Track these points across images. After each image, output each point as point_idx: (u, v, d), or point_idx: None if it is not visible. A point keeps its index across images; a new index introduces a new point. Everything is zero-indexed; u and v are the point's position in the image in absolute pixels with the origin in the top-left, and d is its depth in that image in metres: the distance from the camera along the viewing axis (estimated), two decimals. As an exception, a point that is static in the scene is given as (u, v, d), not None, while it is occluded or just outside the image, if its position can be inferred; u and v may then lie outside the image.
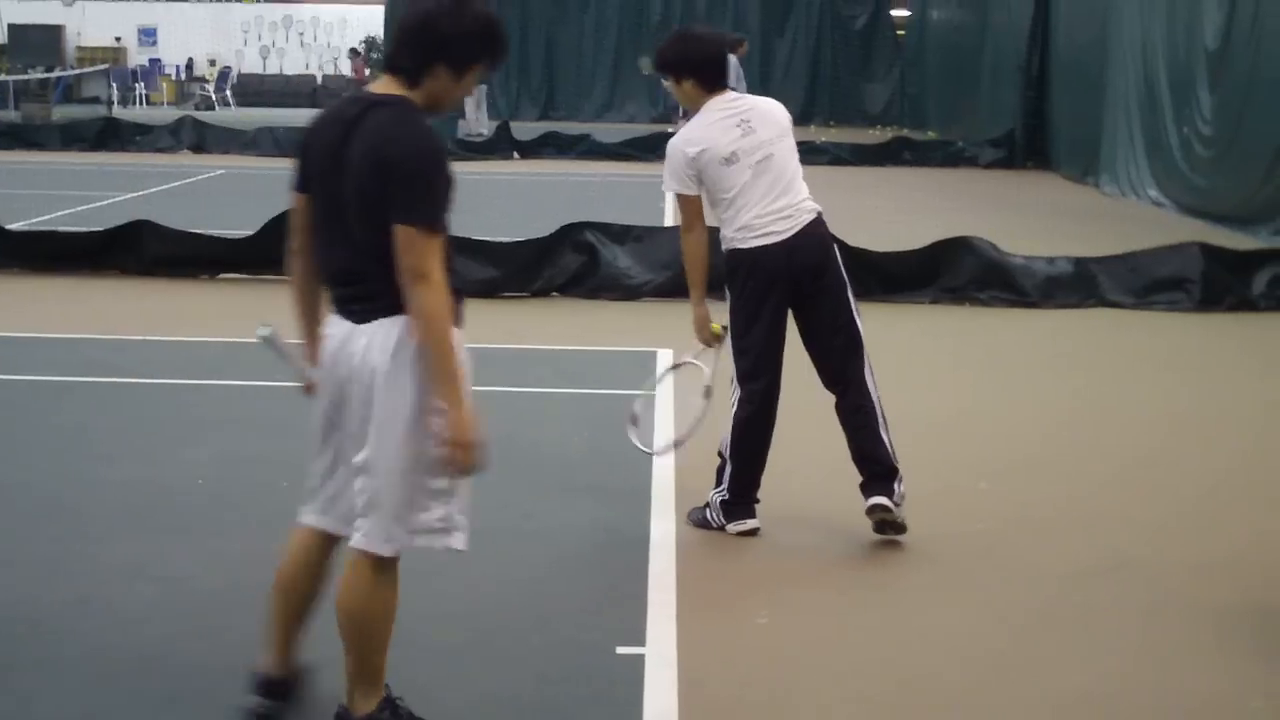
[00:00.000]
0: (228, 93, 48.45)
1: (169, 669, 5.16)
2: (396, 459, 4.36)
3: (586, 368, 10.26)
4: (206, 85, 48.58)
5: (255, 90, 49.53)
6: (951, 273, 13.19)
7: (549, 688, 5.10)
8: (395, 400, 4.35)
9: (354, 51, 42.18)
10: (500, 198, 22.02)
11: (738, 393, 6.65)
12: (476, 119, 34.16)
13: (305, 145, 4.58)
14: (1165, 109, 21.35)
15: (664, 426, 7.91)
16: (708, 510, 6.77)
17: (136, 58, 50.89)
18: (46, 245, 13.86)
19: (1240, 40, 18.76)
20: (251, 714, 4.71)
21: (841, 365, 6.61)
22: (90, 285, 13.15)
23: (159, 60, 50.74)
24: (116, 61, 49.60)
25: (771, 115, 6.66)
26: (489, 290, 12.63)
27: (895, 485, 6.51)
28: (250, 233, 13.59)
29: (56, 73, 44.98)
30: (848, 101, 42.51)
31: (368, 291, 4.38)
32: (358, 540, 4.47)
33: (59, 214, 17.92)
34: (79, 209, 18.64)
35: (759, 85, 34.04)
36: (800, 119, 20.85)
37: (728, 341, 6.73)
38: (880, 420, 6.58)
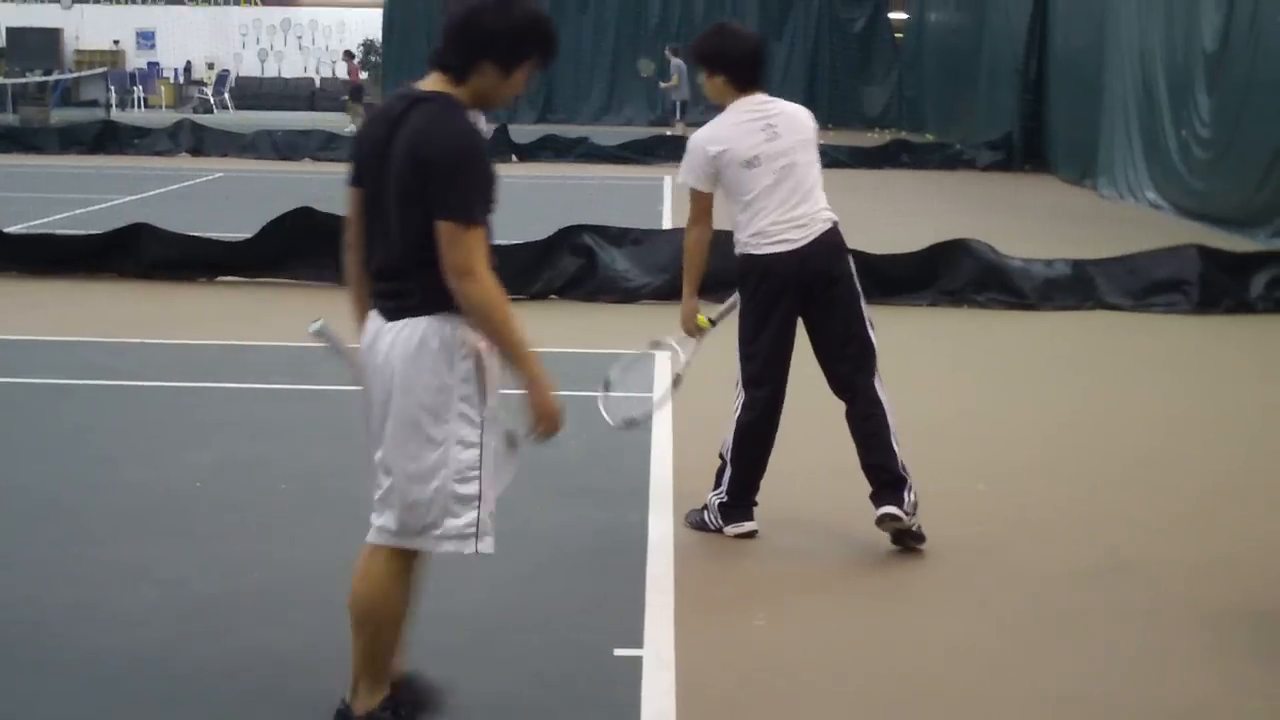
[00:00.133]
0: (226, 96, 48.49)
1: (169, 672, 5.16)
2: (409, 460, 4.38)
3: (584, 370, 10.21)
4: (205, 88, 48.63)
5: (253, 93, 49.60)
6: (949, 275, 13.20)
7: (546, 689, 5.10)
8: (411, 400, 4.37)
9: (348, 54, 42.17)
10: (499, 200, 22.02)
11: (742, 397, 6.63)
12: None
13: (358, 140, 4.58)
14: (1163, 111, 21.37)
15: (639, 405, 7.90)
16: (706, 512, 6.77)
17: (135, 61, 50.92)
18: (45, 248, 13.88)
19: (1238, 43, 18.78)
20: None
21: (851, 374, 6.57)
22: (89, 288, 13.15)
23: (157, 63, 50.78)
24: (115, 65, 49.64)
25: (798, 122, 6.63)
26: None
27: (905, 494, 6.45)
28: (248, 236, 13.61)
29: (55, 76, 45.02)
30: (846, 104, 42.54)
31: (401, 289, 4.39)
32: (373, 534, 4.51)
33: (57, 217, 17.93)
34: (77, 212, 18.65)
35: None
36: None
37: (700, 342, 6.73)
38: (890, 430, 6.54)
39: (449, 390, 4.35)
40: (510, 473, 4.64)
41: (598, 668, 5.21)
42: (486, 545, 4.46)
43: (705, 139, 6.60)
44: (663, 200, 21.70)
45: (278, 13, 51.43)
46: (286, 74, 51.13)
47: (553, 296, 12.98)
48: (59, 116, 36.37)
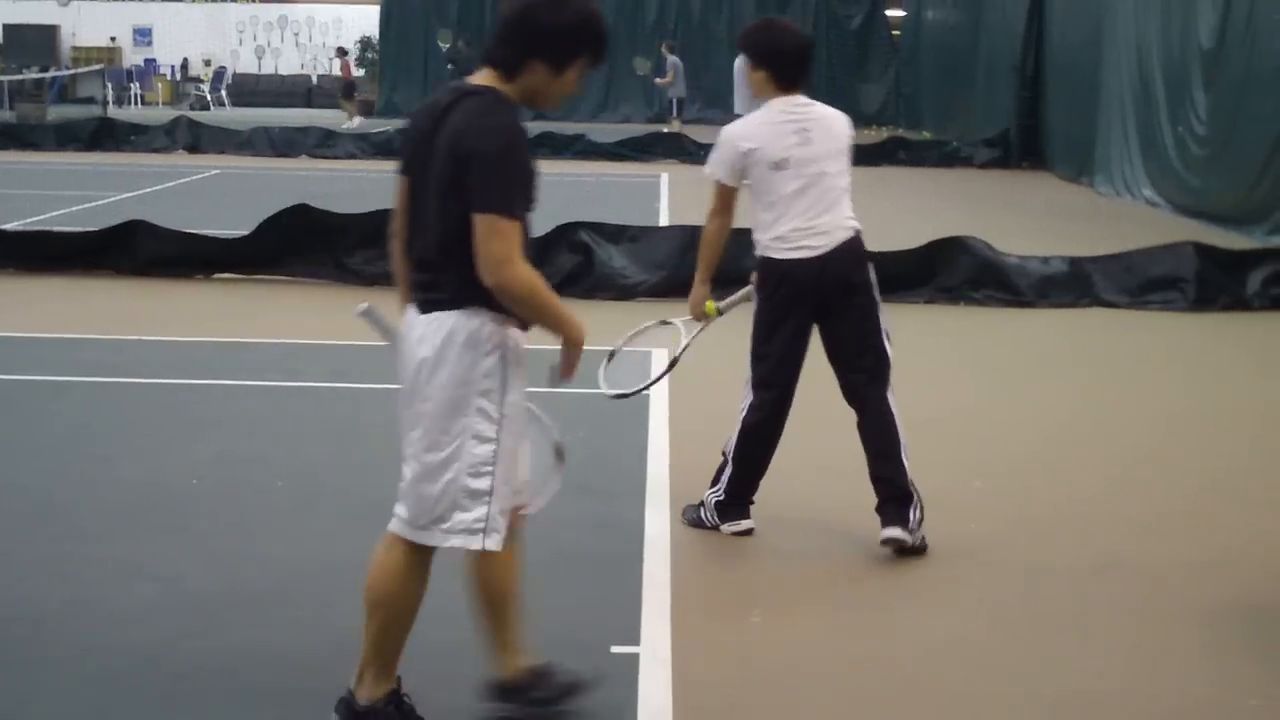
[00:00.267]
0: (223, 93, 48.47)
1: (165, 669, 5.16)
2: (424, 451, 4.40)
3: (582, 367, 10.24)
4: (201, 85, 48.61)
5: (250, 90, 49.57)
6: (947, 272, 13.21)
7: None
8: (434, 394, 4.38)
9: (340, 50, 42.18)
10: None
11: (750, 398, 6.61)
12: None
13: (406, 131, 4.60)
14: (1160, 108, 21.37)
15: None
16: (702, 510, 6.77)
17: (131, 58, 50.90)
18: (41, 245, 13.85)
19: (1235, 39, 18.78)
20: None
21: (865, 384, 6.52)
22: (85, 285, 13.14)
23: (154, 60, 50.76)
24: (111, 61, 49.61)
25: (833, 129, 6.56)
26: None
27: (911, 511, 6.43)
28: (245, 233, 13.60)
29: (51, 73, 44.99)
30: (843, 101, 42.08)
31: (434, 281, 4.40)
32: (392, 523, 4.52)
33: (54, 214, 17.92)
34: (74, 209, 18.64)
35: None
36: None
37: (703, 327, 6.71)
38: (901, 443, 6.49)
39: (469, 385, 4.36)
40: (556, 484, 4.76)
41: (595, 665, 5.20)
42: (494, 542, 4.46)
43: (738, 134, 6.53)
44: (660, 197, 21.71)
45: (274, 9, 51.41)
46: (283, 71, 51.10)
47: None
48: (56, 113, 36.34)
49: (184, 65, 50.77)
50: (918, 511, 6.45)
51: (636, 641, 5.43)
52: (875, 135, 33.90)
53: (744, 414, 6.63)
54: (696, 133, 30.60)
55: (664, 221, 17.56)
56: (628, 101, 43.11)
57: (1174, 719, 5.07)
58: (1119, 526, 7.05)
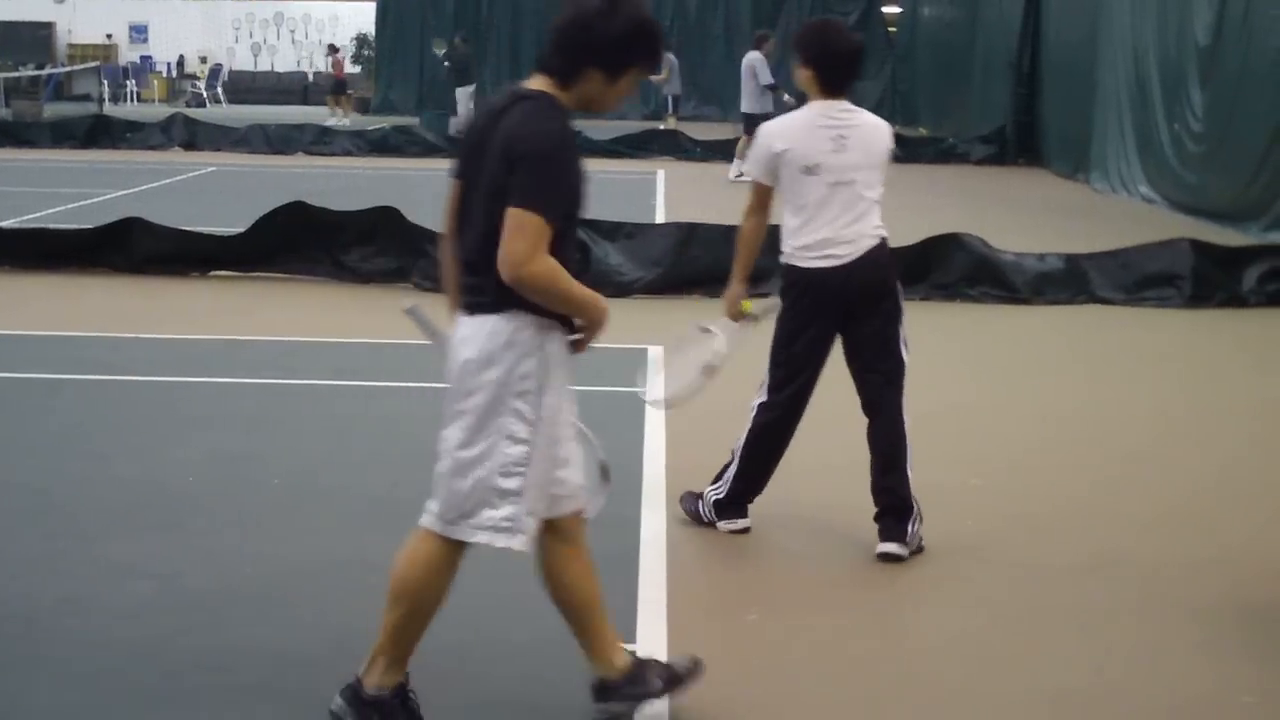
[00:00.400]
0: (219, 90, 48.46)
1: (161, 667, 5.16)
2: (457, 447, 4.42)
3: (577, 364, 10.25)
4: (198, 82, 48.59)
5: (246, 87, 49.59)
6: (942, 269, 13.21)
7: (538, 685, 5.10)
8: (473, 393, 4.40)
9: (332, 48, 42.16)
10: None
11: (762, 397, 6.58)
12: (468, 116, 34.16)
13: (464, 134, 4.63)
14: (1156, 105, 21.38)
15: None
16: (700, 503, 6.76)
17: (128, 55, 50.91)
18: (37, 243, 13.84)
19: (1231, 36, 18.79)
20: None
21: (879, 392, 6.49)
22: (81, 283, 13.14)
23: (150, 57, 50.76)
24: (108, 59, 49.62)
25: (871, 141, 6.45)
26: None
27: (909, 525, 6.41)
28: (241, 230, 13.59)
29: (47, 70, 44.95)
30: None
31: (478, 284, 4.41)
32: (424, 517, 4.54)
33: (50, 212, 17.91)
34: (70, 206, 18.63)
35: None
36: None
37: (744, 328, 6.61)
38: (908, 455, 6.47)
39: (507, 386, 4.38)
40: (601, 501, 4.89)
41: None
42: (520, 542, 4.48)
43: (773, 133, 6.48)
44: (656, 194, 21.71)
45: (271, 6, 51.42)
46: (279, 68, 51.12)
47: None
48: (51, 111, 36.32)
49: (180, 62, 50.77)
50: (916, 524, 6.44)
51: (633, 640, 5.42)
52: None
53: (755, 413, 6.60)
54: (692, 130, 30.62)
55: (660, 218, 17.56)
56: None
57: (1171, 715, 5.07)
58: (1116, 524, 7.06)
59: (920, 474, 6.59)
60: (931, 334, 11.69)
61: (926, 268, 13.19)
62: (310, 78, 49.97)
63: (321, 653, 5.26)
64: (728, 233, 13.92)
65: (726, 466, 6.71)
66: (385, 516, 6.82)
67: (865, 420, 6.56)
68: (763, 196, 6.52)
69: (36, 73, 43.27)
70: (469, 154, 4.48)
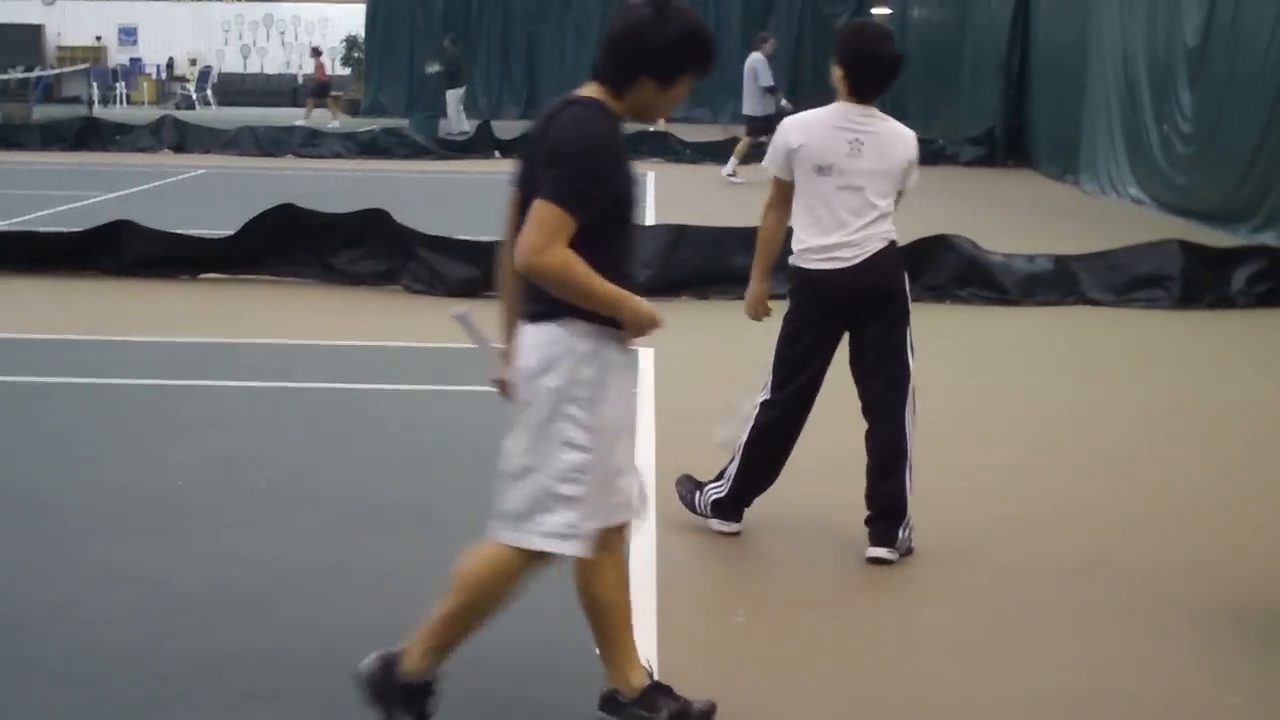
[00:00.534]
0: (208, 92, 48.42)
1: (150, 670, 5.15)
2: (521, 454, 4.44)
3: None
4: (187, 84, 48.55)
5: (236, 89, 49.55)
6: (932, 270, 13.22)
7: (528, 688, 5.10)
8: (533, 401, 4.42)
9: (315, 50, 42.13)
10: (482, 197, 22.02)
11: (764, 394, 6.56)
12: (458, 118, 34.17)
13: (523, 142, 4.62)
14: (1145, 107, 21.42)
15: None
16: (698, 495, 6.73)
17: (117, 57, 50.83)
18: (26, 246, 13.82)
19: (1220, 38, 18.83)
20: None
21: (880, 394, 6.44)
22: (70, 286, 13.12)
23: (139, 59, 50.68)
24: (97, 61, 49.54)
25: (889, 150, 6.36)
26: (470, 289, 12.62)
27: (900, 531, 6.39)
28: (230, 233, 13.59)
29: (36, 72, 44.86)
30: (828, 100, 42.20)
31: (535, 291, 4.42)
32: (491, 522, 4.55)
33: (39, 214, 17.88)
34: (59, 209, 18.60)
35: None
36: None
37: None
38: (906, 461, 6.42)
39: (564, 393, 4.39)
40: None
41: (579, 667, 5.20)
42: (577, 548, 4.49)
43: (792, 126, 6.45)
44: (646, 195, 21.69)
45: (260, 8, 51.37)
46: (269, 70, 51.06)
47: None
48: (41, 113, 36.26)
49: (169, 64, 50.69)
50: (907, 530, 6.43)
51: (622, 641, 5.43)
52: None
53: (757, 411, 6.57)
54: (682, 131, 30.60)
55: (650, 220, 17.54)
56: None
57: (1160, 716, 5.08)
58: (1107, 525, 7.07)
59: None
60: (921, 335, 11.63)
61: (916, 269, 13.14)
62: (300, 80, 49.87)
63: (311, 656, 5.26)
64: (717, 235, 14.02)
65: (728, 465, 6.70)
66: (375, 519, 6.83)
67: (862, 421, 6.55)
68: (782, 191, 6.49)
69: (25, 75, 43.18)
70: (525, 162, 4.49)
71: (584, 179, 4.29)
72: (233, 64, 51.00)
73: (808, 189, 6.36)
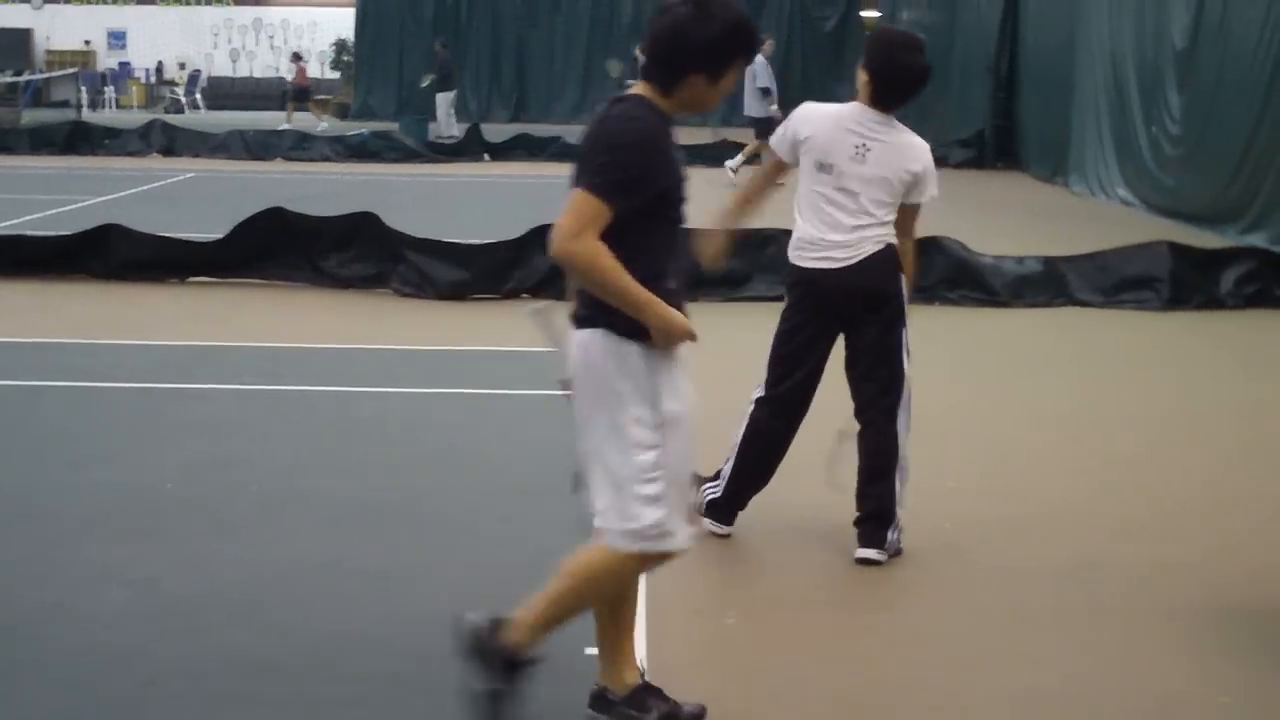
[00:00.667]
0: (197, 96, 48.37)
1: (140, 672, 5.15)
2: (598, 461, 4.48)
3: (558, 369, 10.25)
4: (176, 88, 48.50)
5: (225, 93, 49.48)
6: (921, 272, 13.20)
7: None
8: (590, 406, 4.45)
9: (296, 55, 42.09)
10: (471, 200, 22.05)
11: (759, 392, 6.56)
12: (447, 121, 34.14)
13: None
14: (1134, 109, 21.45)
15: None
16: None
17: (106, 61, 50.74)
18: (15, 250, 13.79)
19: (1208, 40, 18.86)
20: None
21: (874, 398, 6.41)
22: (60, 290, 13.10)
23: (129, 64, 50.62)
24: (86, 65, 49.43)
25: (894, 160, 6.30)
26: (459, 292, 12.62)
27: (889, 533, 6.39)
28: (219, 236, 13.57)
29: (25, 76, 44.79)
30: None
31: (585, 297, 4.44)
32: (596, 523, 4.60)
33: (28, 218, 17.86)
34: (48, 213, 18.57)
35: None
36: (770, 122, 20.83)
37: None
38: (898, 464, 6.41)
39: (620, 396, 4.40)
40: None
41: (570, 666, 5.20)
42: (677, 543, 4.52)
43: (805, 115, 6.44)
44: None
45: (249, 12, 51.31)
46: (258, 74, 50.99)
47: (525, 295, 12.93)
48: (30, 117, 36.19)
49: (159, 68, 50.64)
50: (896, 532, 6.43)
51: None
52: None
53: (751, 408, 6.58)
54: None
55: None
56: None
57: (1148, 716, 5.09)
58: (1096, 526, 7.07)
59: (900, 477, 6.59)
60: (911, 337, 11.71)
61: (906, 271, 13.20)
62: (289, 84, 49.89)
63: (300, 658, 5.26)
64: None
65: (723, 465, 6.70)
66: (365, 521, 6.82)
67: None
68: (775, 166, 6.54)
69: (14, 79, 43.11)
70: (579, 161, 4.49)
71: (624, 169, 4.31)
72: (222, 68, 50.94)
73: (808, 182, 6.37)
